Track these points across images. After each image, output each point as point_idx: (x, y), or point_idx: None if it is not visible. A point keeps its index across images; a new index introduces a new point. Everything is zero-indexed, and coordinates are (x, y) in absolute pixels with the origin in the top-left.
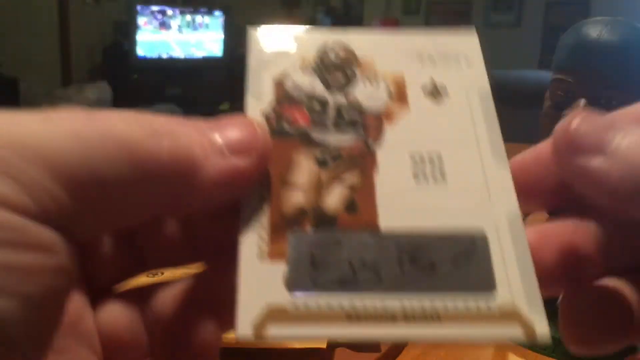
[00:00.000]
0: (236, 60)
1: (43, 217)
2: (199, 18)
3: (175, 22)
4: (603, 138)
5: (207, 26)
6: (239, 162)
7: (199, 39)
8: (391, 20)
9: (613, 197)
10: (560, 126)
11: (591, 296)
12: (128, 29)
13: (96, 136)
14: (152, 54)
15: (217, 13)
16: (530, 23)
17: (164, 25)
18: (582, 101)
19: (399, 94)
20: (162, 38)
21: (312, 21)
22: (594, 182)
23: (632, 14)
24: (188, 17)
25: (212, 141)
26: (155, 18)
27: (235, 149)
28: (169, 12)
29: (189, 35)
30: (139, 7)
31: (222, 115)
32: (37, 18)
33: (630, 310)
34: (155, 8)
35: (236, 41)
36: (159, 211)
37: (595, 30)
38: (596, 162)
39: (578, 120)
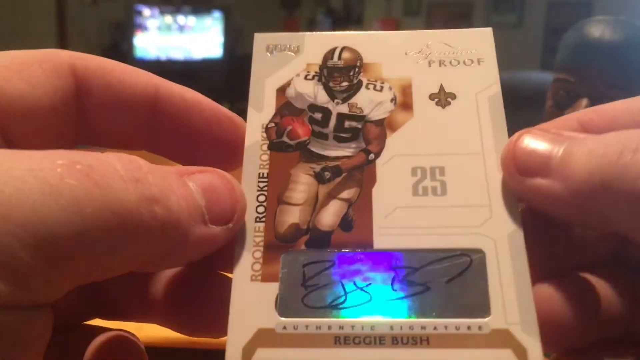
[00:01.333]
0: (236, 60)
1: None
2: (180, 19)
3: (153, 23)
4: (543, 159)
5: (193, 29)
6: (217, 231)
7: (196, 40)
8: (391, 21)
9: (560, 213)
10: (506, 146)
11: (562, 287)
12: (126, 30)
13: (97, 212)
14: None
15: (217, 14)
16: (532, 24)
17: (138, 27)
18: (585, 101)
19: (404, 101)
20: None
21: (312, 21)
22: (540, 201)
23: (634, 15)
24: (168, 19)
25: (197, 208)
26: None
27: (215, 218)
28: (146, 12)
29: (172, 38)
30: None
31: (206, 168)
32: (35, 19)
33: (598, 302)
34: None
35: (236, 42)
36: (135, 269)
37: (597, 29)
38: (538, 183)
39: (521, 139)
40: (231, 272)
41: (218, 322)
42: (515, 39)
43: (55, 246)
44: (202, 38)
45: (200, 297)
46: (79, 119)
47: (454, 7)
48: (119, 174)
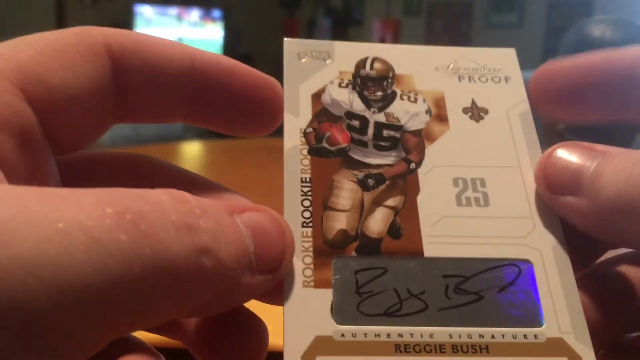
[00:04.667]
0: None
1: None
2: (180, 19)
3: (152, 23)
4: (574, 177)
5: (193, 29)
6: (261, 280)
7: (196, 39)
8: (391, 21)
9: (590, 231)
10: (538, 163)
11: (583, 282)
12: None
13: (145, 269)
14: None
15: (217, 14)
16: (532, 24)
17: (138, 27)
18: None
19: (439, 113)
20: None
21: (311, 21)
22: (571, 218)
23: (635, 14)
24: (168, 19)
25: (246, 255)
26: None
27: (262, 266)
28: (145, 11)
29: (172, 38)
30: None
31: (256, 206)
32: (35, 19)
33: (628, 293)
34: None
35: (236, 42)
36: (174, 318)
37: (598, 29)
38: (569, 201)
39: (553, 155)
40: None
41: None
42: (515, 39)
43: (97, 309)
44: (202, 38)
45: (221, 331)
46: (117, 100)
47: (454, 7)
48: (170, 220)
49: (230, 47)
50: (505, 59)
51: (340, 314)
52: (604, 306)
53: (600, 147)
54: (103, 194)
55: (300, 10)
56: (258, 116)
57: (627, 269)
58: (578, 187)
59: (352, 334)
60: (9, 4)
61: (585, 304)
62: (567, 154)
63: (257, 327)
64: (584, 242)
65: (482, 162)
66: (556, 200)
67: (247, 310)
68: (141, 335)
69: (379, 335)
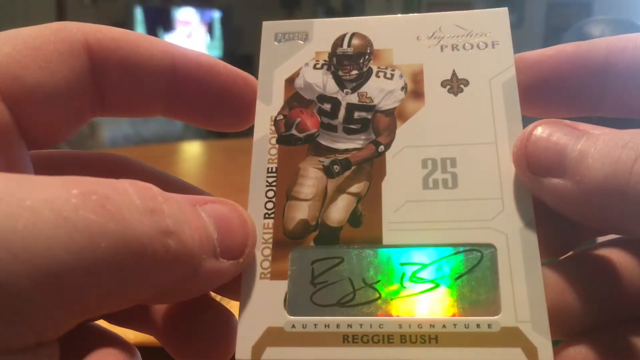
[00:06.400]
0: (236, 60)
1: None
2: (180, 19)
3: (153, 23)
4: (557, 158)
5: (192, 29)
6: (226, 266)
7: (196, 40)
8: None
9: (573, 214)
10: (517, 141)
11: (559, 268)
12: None
13: (112, 246)
14: None
15: (217, 14)
16: (532, 24)
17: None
18: None
19: (415, 89)
20: None
21: None
22: (553, 201)
23: (634, 15)
24: (168, 19)
25: (210, 241)
26: None
27: (226, 252)
28: (146, 12)
29: (172, 38)
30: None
31: (219, 201)
32: (35, 19)
33: (609, 281)
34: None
35: (236, 42)
36: (142, 302)
37: (597, 29)
38: (552, 183)
39: (534, 134)
40: (224, 295)
41: (206, 351)
42: (515, 39)
43: (67, 284)
44: (202, 38)
45: (192, 323)
46: (95, 96)
47: (454, 7)
48: (135, 204)
49: (230, 47)
50: (495, 21)
51: (293, 305)
52: (584, 291)
53: (582, 125)
54: (69, 178)
55: (300, 10)
56: (235, 112)
57: (611, 254)
58: (562, 168)
59: (303, 325)
60: (8, 4)
61: (562, 288)
62: (548, 132)
63: (226, 320)
64: (565, 227)
65: (456, 140)
66: (537, 182)
67: (217, 302)
68: (120, 333)
69: (328, 326)
